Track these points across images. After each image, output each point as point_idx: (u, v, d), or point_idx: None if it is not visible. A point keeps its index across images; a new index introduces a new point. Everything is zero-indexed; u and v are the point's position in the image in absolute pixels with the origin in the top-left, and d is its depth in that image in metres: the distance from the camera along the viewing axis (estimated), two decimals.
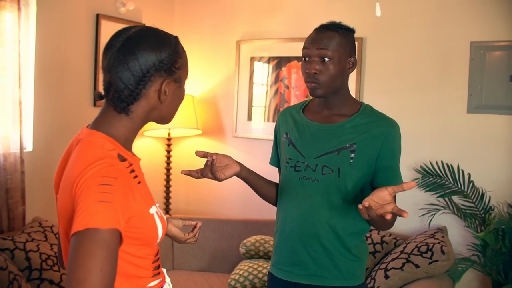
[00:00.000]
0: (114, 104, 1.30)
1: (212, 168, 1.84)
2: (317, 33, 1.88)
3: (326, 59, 1.83)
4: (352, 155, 1.85)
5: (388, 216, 1.56)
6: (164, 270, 1.49)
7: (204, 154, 1.86)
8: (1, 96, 3.03)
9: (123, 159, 1.27)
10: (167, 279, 1.49)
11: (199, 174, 1.88)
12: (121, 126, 1.32)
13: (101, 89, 3.88)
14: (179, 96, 1.40)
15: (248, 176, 2.00)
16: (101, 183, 1.15)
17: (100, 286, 1.07)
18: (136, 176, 1.29)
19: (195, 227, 1.78)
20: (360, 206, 1.61)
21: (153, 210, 1.31)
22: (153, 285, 1.38)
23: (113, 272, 1.12)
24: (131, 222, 1.21)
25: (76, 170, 1.20)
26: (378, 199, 1.62)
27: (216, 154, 1.87)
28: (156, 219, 1.32)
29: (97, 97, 1.36)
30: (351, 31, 1.91)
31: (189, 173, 1.87)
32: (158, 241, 1.35)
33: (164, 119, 1.41)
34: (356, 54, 3.47)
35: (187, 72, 1.42)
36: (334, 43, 1.83)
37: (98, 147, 1.25)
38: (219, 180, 1.88)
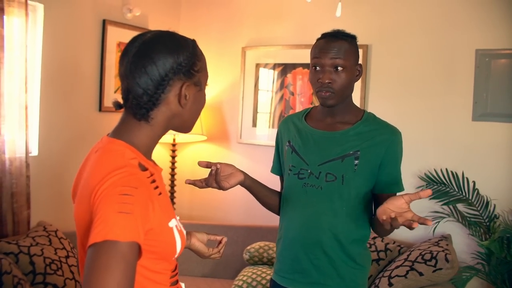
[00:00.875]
0: (133, 111, 1.26)
1: (216, 177, 1.83)
2: (327, 42, 1.87)
3: (339, 68, 1.83)
4: (356, 162, 1.86)
5: (415, 225, 1.53)
6: (183, 285, 1.44)
7: (207, 164, 1.85)
8: (7, 101, 3.05)
9: (144, 169, 1.23)
10: None
11: (203, 183, 1.86)
12: (142, 134, 1.27)
13: (107, 94, 3.87)
14: (200, 101, 1.35)
15: (251, 185, 2.00)
16: (121, 193, 1.11)
17: None
18: (157, 187, 1.24)
19: (220, 242, 1.73)
20: (384, 217, 1.57)
21: (172, 223, 1.26)
22: None
23: (131, 287, 1.07)
24: (149, 234, 1.17)
25: (95, 178, 1.16)
26: (395, 207, 1.59)
27: (220, 163, 1.87)
28: (175, 233, 1.27)
29: (116, 106, 1.32)
30: (355, 38, 1.93)
31: (194, 183, 1.85)
32: (176, 256, 1.30)
33: (185, 126, 1.36)
34: (362, 62, 3.51)
35: (207, 76, 1.36)
36: (346, 52, 1.84)
37: (118, 155, 1.21)
38: (224, 189, 1.86)
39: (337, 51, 1.83)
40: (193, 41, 1.33)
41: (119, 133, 1.28)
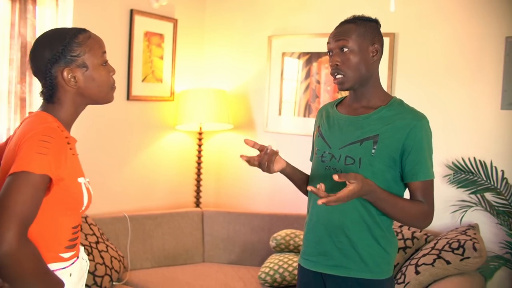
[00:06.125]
0: (43, 96, 1.60)
1: (272, 156, 1.92)
2: (336, 28, 1.96)
3: (345, 49, 1.89)
4: (375, 146, 1.87)
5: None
6: (82, 248, 1.70)
7: (254, 144, 1.95)
8: (39, 92, 3.12)
9: (61, 131, 1.53)
10: (83, 255, 1.70)
11: (256, 162, 1.96)
12: (57, 112, 1.58)
13: (135, 83, 3.96)
14: (93, 78, 1.60)
15: (291, 172, 2.07)
16: (40, 140, 1.42)
17: (19, 215, 1.33)
18: (71, 149, 1.54)
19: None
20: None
21: (81, 180, 1.56)
22: (66, 257, 1.57)
23: (34, 210, 1.38)
24: (60, 184, 1.45)
25: (22, 134, 1.46)
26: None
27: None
28: (83, 188, 1.56)
29: (40, 94, 1.63)
30: (372, 21, 1.96)
31: (248, 159, 1.96)
32: (83, 208, 1.59)
33: (96, 100, 1.65)
34: (388, 50, 3.49)
35: (97, 56, 1.62)
36: (351, 33, 1.89)
37: (42, 118, 1.53)
38: (272, 171, 1.96)
39: (342, 33, 1.91)
40: (77, 31, 1.61)
41: (43, 110, 1.59)
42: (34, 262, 1.40)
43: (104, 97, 1.67)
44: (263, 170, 1.95)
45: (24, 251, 1.35)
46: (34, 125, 1.49)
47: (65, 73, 1.55)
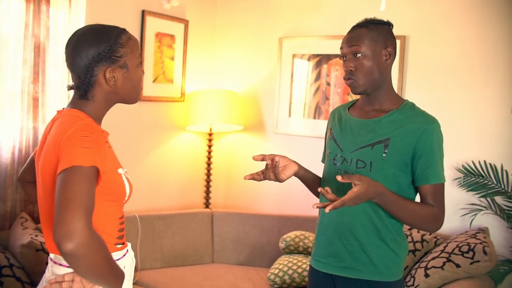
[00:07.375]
0: (77, 92, 1.62)
1: (275, 169, 1.89)
2: (348, 32, 1.96)
3: (358, 55, 1.89)
4: (386, 150, 1.87)
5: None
6: (129, 244, 1.73)
7: (262, 158, 1.91)
8: (52, 90, 3.15)
9: (97, 125, 1.59)
10: (131, 252, 1.73)
11: (261, 176, 1.93)
12: (89, 108, 1.61)
13: (146, 83, 3.99)
14: (131, 79, 1.65)
15: (304, 175, 2.06)
16: (81, 135, 1.46)
17: (84, 205, 1.36)
18: (106, 142, 1.58)
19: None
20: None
21: (121, 171, 1.60)
22: (119, 247, 1.63)
23: (93, 199, 1.41)
24: (103, 177, 1.48)
25: (59, 133, 1.50)
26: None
27: (274, 155, 1.91)
28: (124, 179, 1.61)
29: (68, 88, 1.66)
30: (384, 23, 1.96)
31: (252, 177, 1.93)
32: (126, 198, 1.64)
33: (126, 100, 1.69)
34: (399, 53, 3.48)
35: (136, 57, 1.66)
36: (364, 38, 1.90)
37: (75, 116, 1.56)
38: (281, 181, 1.93)
39: (355, 39, 1.91)
40: (120, 31, 1.63)
41: (73, 107, 1.62)
42: (104, 250, 1.44)
43: (135, 97, 1.70)
44: (274, 181, 1.94)
45: (95, 239, 1.38)
46: (69, 123, 1.52)
47: (107, 73, 1.58)
